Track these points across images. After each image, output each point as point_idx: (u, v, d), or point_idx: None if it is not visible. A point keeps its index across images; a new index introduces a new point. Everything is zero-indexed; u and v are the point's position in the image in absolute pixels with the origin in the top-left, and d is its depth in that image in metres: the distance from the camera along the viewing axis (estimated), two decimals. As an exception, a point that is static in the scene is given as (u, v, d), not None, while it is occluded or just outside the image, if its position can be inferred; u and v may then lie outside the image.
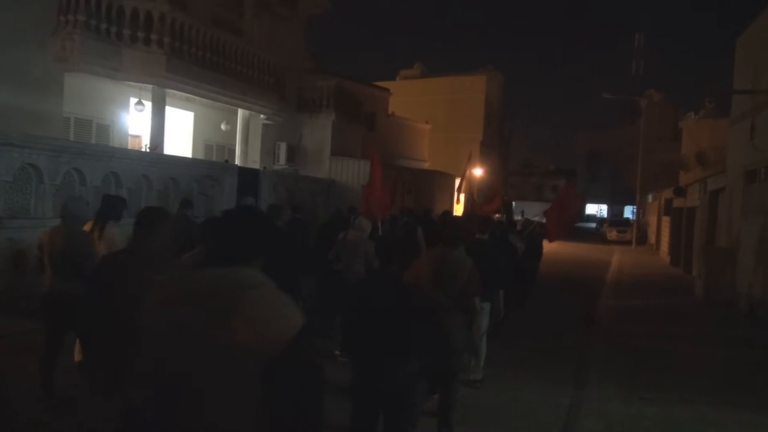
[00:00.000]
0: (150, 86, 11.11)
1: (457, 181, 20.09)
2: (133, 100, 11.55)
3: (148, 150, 11.10)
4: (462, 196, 19.00)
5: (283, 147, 15.74)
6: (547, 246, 11.31)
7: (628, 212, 43.62)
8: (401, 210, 11.42)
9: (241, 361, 1.39)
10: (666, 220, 21.57)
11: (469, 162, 20.48)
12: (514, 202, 27.93)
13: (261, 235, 1.62)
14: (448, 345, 3.89)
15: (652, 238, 27.01)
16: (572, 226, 10.43)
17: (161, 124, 11.35)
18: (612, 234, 29.59)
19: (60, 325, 4.03)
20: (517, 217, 16.78)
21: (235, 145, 14.14)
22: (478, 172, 23.67)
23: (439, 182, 20.50)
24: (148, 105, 11.33)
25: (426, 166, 25.93)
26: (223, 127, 14.14)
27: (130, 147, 11.81)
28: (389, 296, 2.98)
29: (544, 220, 9.90)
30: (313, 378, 1.49)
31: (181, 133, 13.55)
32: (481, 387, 5.31)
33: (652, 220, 27.54)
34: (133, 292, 2.42)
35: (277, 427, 1.43)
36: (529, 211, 20.06)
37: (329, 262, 6.22)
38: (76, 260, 3.89)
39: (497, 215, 11.66)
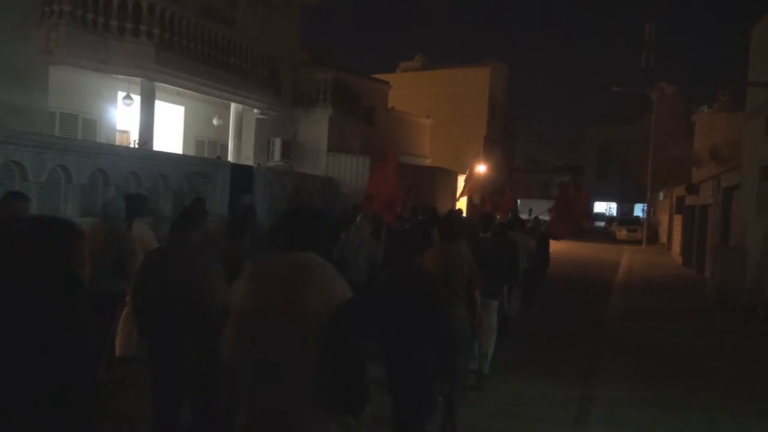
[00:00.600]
0: (139, 79, 10.84)
1: (460, 183, 19.51)
2: (121, 94, 11.30)
3: (136, 146, 10.84)
4: (464, 199, 18.23)
5: (277, 143, 15.45)
6: (554, 246, 11.11)
7: (639, 210, 42.98)
8: (412, 209, 11.11)
9: (306, 324, 1.86)
10: (678, 219, 21.16)
11: (476, 160, 19.97)
12: (519, 200, 27.41)
13: (320, 227, 2.13)
14: (454, 337, 4.03)
15: (664, 238, 26.53)
16: (579, 223, 10.14)
17: (150, 119, 11.10)
18: (621, 233, 29.08)
19: (103, 322, 4.28)
20: (525, 216, 16.36)
21: (227, 141, 13.84)
22: (481, 169, 23.12)
23: (440, 179, 20.01)
24: (136, 99, 11.07)
25: (427, 162, 25.46)
26: (215, 122, 13.85)
27: (117, 143, 11.55)
28: (419, 284, 3.30)
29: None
30: (358, 334, 1.94)
31: (171, 129, 13.27)
32: (484, 391, 5.24)
33: (664, 218, 27.06)
34: (182, 283, 2.92)
35: (327, 376, 1.86)
36: (536, 209, 19.62)
37: (334, 262, 6.09)
38: (118, 258, 4.23)
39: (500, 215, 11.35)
